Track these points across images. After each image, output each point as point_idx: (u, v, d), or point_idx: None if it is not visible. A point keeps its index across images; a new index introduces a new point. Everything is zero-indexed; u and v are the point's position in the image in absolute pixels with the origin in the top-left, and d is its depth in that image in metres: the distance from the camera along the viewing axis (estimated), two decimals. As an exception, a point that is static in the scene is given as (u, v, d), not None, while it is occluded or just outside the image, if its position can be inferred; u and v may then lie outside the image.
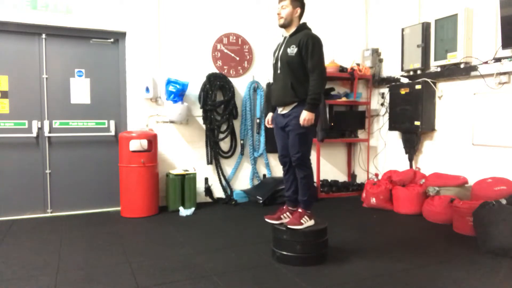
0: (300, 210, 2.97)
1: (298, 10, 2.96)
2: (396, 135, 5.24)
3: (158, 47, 4.71)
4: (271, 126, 3.22)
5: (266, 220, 3.05)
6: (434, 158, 4.72)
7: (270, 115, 3.22)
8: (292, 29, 2.97)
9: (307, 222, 2.92)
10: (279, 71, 2.99)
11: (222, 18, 5.00)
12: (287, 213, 3.07)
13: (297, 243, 2.89)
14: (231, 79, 5.01)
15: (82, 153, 4.56)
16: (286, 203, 3.14)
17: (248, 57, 5.17)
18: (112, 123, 4.67)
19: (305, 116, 2.82)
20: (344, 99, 5.38)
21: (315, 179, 5.27)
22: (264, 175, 5.35)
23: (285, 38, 3.02)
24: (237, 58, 5.10)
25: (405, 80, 4.87)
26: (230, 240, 3.49)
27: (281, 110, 3.02)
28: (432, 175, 4.46)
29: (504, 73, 3.86)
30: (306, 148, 2.94)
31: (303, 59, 2.86)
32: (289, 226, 2.87)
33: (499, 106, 3.96)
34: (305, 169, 2.95)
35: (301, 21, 3.01)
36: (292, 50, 2.88)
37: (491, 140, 4.04)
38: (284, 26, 2.99)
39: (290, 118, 2.92)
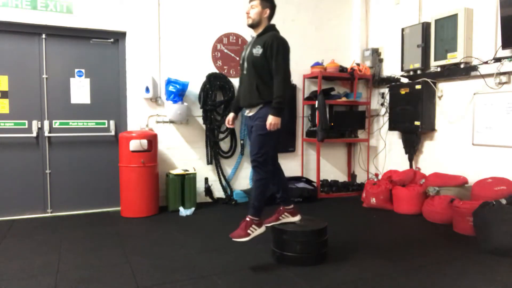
0: (247, 218, 2.80)
1: (268, 11, 2.90)
2: (396, 135, 5.24)
3: (158, 47, 4.71)
4: (231, 126, 3.16)
5: (265, 225, 2.98)
6: (434, 158, 4.72)
7: (231, 115, 3.15)
8: (260, 29, 2.91)
9: (255, 231, 2.78)
10: (245, 72, 2.92)
11: (222, 18, 5.00)
12: (285, 213, 3.03)
13: (297, 243, 2.89)
14: (231, 79, 5.01)
15: (82, 153, 4.56)
16: (280, 204, 3.07)
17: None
18: (112, 123, 4.67)
19: (271, 121, 2.72)
20: (344, 99, 5.38)
21: (315, 179, 5.33)
22: (264, 175, 5.34)
23: (253, 38, 2.97)
24: (237, 58, 5.10)
25: (405, 80, 4.87)
26: (230, 240, 3.48)
27: (247, 112, 2.95)
28: (432, 175, 4.45)
29: (504, 73, 3.86)
30: (266, 150, 2.82)
31: (267, 60, 2.78)
32: (234, 239, 2.72)
33: (499, 106, 3.96)
34: (260, 173, 2.83)
35: (271, 22, 2.98)
36: (258, 51, 2.80)
37: (491, 140, 4.04)
38: (252, 26, 2.93)
39: (255, 120, 2.86)
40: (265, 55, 2.78)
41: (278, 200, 3.08)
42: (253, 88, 2.82)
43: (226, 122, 3.17)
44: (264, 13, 2.89)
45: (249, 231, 2.74)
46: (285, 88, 2.77)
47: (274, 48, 2.75)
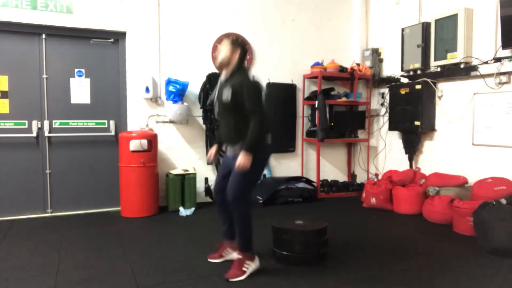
0: (240, 256, 2.72)
1: (237, 54, 2.76)
2: (396, 135, 5.24)
3: (158, 47, 4.71)
4: (210, 161, 3.02)
5: (210, 260, 2.94)
6: (434, 158, 4.72)
7: (214, 149, 3.03)
8: (229, 72, 2.78)
9: (250, 267, 2.70)
10: (218, 113, 2.88)
11: (222, 18, 5.00)
12: (228, 249, 2.94)
13: (297, 243, 2.89)
14: (231, 79, 5.00)
15: (82, 153, 4.56)
16: (223, 239, 2.99)
17: (248, 57, 5.16)
18: (112, 123, 4.67)
19: (240, 160, 2.59)
20: (344, 99, 5.38)
21: (315, 179, 5.33)
22: (264, 175, 5.35)
23: (220, 82, 2.86)
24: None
25: (405, 80, 4.87)
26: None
27: (229, 152, 2.85)
28: (432, 175, 4.45)
29: (504, 73, 3.86)
30: (247, 187, 2.72)
31: (239, 104, 2.67)
32: (231, 280, 2.61)
33: (499, 106, 3.96)
34: (241, 209, 2.71)
35: (243, 63, 2.84)
36: (227, 97, 2.68)
37: (491, 140, 4.04)
38: (220, 68, 2.85)
39: (234, 159, 2.71)
40: (235, 100, 2.66)
41: (222, 233, 2.98)
42: (230, 128, 2.75)
43: (207, 157, 3.04)
44: (233, 56, 2.76)
45: (244, 268, 2.67)
46: (260, 131, 2.66)
47: (244, 92, 2.64)
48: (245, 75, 2.75)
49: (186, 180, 4.52)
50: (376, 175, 5.24)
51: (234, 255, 2.84)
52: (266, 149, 2.82)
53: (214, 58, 2.82)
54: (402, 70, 5.00)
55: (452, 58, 4.30)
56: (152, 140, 4.43)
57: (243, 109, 2.67)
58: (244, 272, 2.66)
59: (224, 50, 2.78)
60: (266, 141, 2.77)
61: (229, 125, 2.76)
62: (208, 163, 4.73)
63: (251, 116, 2.66)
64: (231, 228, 2.91)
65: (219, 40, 4.99)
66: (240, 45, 2.83)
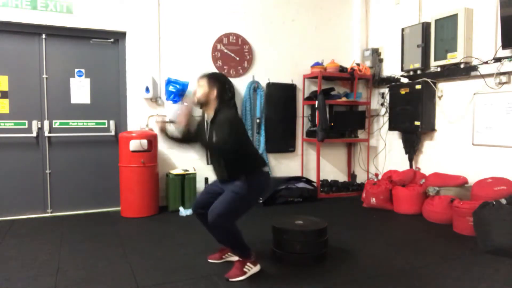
0: (240, 259, 2.70)
1: (215, 91, 2.66)
2: (396, 135, 5.24)
3: (158, 47, 4.71)
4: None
5: (209, 261, 2.94)
6: (434, 158, 4.72)
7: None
8: (211, 112, 2.70)
9: (252, 270, 2.68)
10: (210, 155, 2.84)
11: (222, 18, 5.00)
12: (229, 253, 2.93)
13: (297, 243, 2.89)
14: (231, 79, 5.01)
15: (82, 153, 4.56)
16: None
17: (248, 57, 5.17)
18: (112, 123, 4.67)
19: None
20: (344, 99, 5.38)
21: (315, 179, 5.33)
22: (264, 175, 5.34)
23: (207, 122, 2.80)
24: (237, 58, 5.10)
25: (405, 80, 4.87)
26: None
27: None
28: (432, 175, 4.46)
29: (504, 73, 3.86)
30: (231, 212, 2.60)
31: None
32: (231, 280, 2.59)
33: (499, 106, 3.96)
34: (219, 230, 2.64)
35: (224, 97, 2.75)
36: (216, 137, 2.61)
37: (491, 140, 4.04)
38: (200, 106, 2.75)
39: (226, 188, 2.68)
40: None
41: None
42: (221, 166, 2.68)
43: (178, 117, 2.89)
44: (211, 93, 2.66)
45: (245, 269, 2.65)
46: (216, 148, 2.60)
47: (220, 125, 2.57)
48: (227, 112, 2.63)
49: (186, 180, 4.52)
50: (376, 175, 5.24)
51: (235, 257, 2.84)
52: (262, 182, 2.74)
53: (194, 94, 2.70)
54: (402, 70, 5.00)
55: (452, 58, 4.30)
56: (152, 140, 4.43)
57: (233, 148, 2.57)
58: (245, 273, 2.65)
59: (201, 88, 2.69)
60: (262, 175, 2.71)
61: (220, 163, 2.69)
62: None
63: (215, 142, 2.56)
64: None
65: (219, 40, 5.00)
66: (218, 80, 2.73)
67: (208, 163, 2.85)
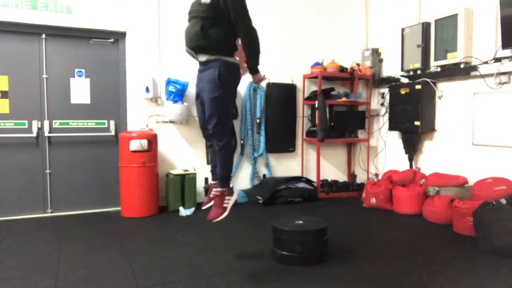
0: (218, 193, 2.67)
1: None
2: (396, 135, 5.24)
3: (158, 47, 4.71)
4: None
5: (203, 208, 2.91)
6: (434, 158, 4.72)
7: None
8: None
9: (230, 201, 2.66)
10: (193, 10, 2.78)
11: (222, 18, 5.00)
12: (216, 189, 2.85)
13: (297, 243, 2.89)
14: (231, 79, 5.00)
15: (82, 153, 4.56)
16: (213, 180, 2.95)
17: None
18: (112, 123, 4.67)
19: (255, 79, 2.79)
20: (344, 99, 5.38)
21: (315, 179, 5.33)
22: (264, 175, 5.35)
23: None
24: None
25: (405, 80, 4.87)
26: (230, 240, 3.49)
27: (199, 59, 2.79)
28: (432, 175, 4.45)
29: (504, 73, 3.86)
30: (222, 113, 2.63)
31: (219, 3, 2.54)
32: (215, 221, 2.60)
33: (499, 106, 3.96)
34: (221, 138, 2.64)
35: None
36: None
37: (491, 140, 4.04)
38: None
39: (207, 74, 2.69)
40: (213, 2, 2.54)
41: (212, 175, 2.95)
42: (201, 29, 2.61)
43: None
44: None
45: (224, 205, 2.63)
46: (255, 40, 2.65)
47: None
48: None
49: (186, 180, 4.52)
50: (376, 175, 5.24)
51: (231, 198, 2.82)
52: (235, 70, 2.72)
53: None
54: (402, 70, 5.00)
55: (452, 58, 4.30)
56: (152, 140, 4.43)
57: (221, 13, 2.54)
58: (225, 208, 2.63)
59: None
60: (235, 63, 2.70)
61: (201, 26, 2.59)
62: None
63: (242, 26, 2.56)
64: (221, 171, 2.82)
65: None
66: None
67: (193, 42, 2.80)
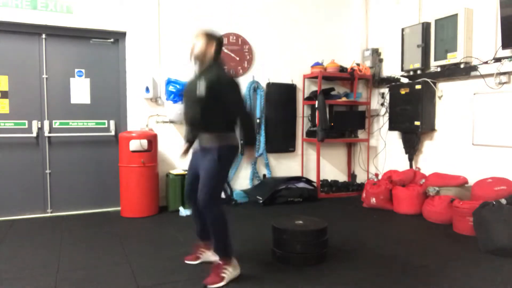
0: (218, 262, 2.62)
1: (213, 47, 2.67)
2: (396, 135, 5.24)
3: (158, 47, 4.71)
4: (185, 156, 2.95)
5: (186, 262, 2.92)
6: (434, 158, 4.72)
7: (185, 146, 2.94)
8: (205, 65, 2.69)
9: (230, 274, 2.59)
10: (189, 103, 2.79)
11: (222, 18, 5.00)
12: (202, 249, 2.93)
13: (297, 243, 2.89)
14: (231, 79, 5.00)
15: (82, 153, 4.56)
16: (198, 240, 2.96)
17: (248, 57, 5.17)
18: (112, 123, 4.67)
19: (248, 156, 2.79)
20: (344, 99, 5.38)
21: (315, 179, 5.33)
22: (264, 175, 5.35)
23: (195, 75, 2.76)
24: (237, 58, 5.10)
25: (405, 80, 4.87)
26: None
27: (197, 144, 2.81)
28: (432, 175, 4.45)
29: (504, 73, 3.86)
30: (214, 188, 2.62)
31: (213, 98, 2.57)
32: (209, 287, 2.51)
33: (499, 106, 3.96)
34: (211, 213, 2.60)
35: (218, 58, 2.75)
36: (202, 89, 2.57)
37: (491, 140, 4.04)
38: (195, 61, 2.73)
39: (206, 154, 2.68)
40: (210, 95, 2.56)
41: (197, 236, 2.95)
42: (199, 117, 2.64)
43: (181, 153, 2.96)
44: (209, 49, 2.66)
45: (222, 274, 2.57)
46: (252, 124, 2.80)
47: (226, 89, 2.59)
48: (221, 70, 2.70)
49: (186, 180, 4.51)
50: (376, 175, 5.24)
51: (210, 255, 2.84)
52: (235, 148, 2.75)
53: (191, 52, 2.72)
54: (402, 70, 5.00)
55: (452, 58, 4.30)
56: (152, 140, 4.43)
57: (216, 104, 2.59)
58: (222, 278, 2.55)
59: (200, 43, 2.67)
60: (235, 140, 2.73)
61: (198, 115, 2.64)
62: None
63: (239, 112, 2.67)
64: (204, 229, 2.84)
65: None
66: (216, 38, 2.73)
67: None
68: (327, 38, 5.63)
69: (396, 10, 5.24)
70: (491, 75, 3.96)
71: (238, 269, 2.68)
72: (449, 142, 4.53)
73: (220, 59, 2.77)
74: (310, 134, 5.46)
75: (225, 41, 5.03)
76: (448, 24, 4.36)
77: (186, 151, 2.95)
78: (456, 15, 4.24)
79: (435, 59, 4.52)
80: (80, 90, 4.54)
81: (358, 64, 5.42)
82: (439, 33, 4.48)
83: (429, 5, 4.78)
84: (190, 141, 2.93)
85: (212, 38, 2.71)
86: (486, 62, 4.01)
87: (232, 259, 2.66)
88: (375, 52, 5.51)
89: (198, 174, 2.71)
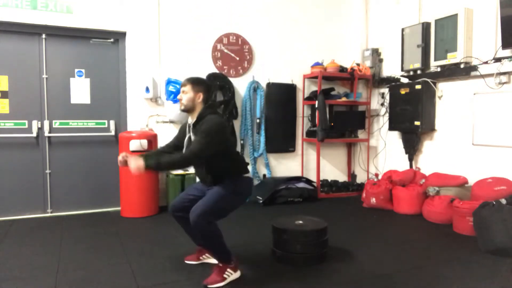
0: (220, 264, 2.62)
1: (201, 96, 2.65)
2: (396, 135, 5.24)
3: (158, 47, 4.71)
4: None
5: (186, 262, 2.93)
6: (434, 158, 4.72)
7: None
8: (195, 116, 2.65)
9: (231, 276, 2.61)
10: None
11: (222, 18, 5.01)
12: (206, 254, 2.93)
13: (297, 243, 2.89)
14: (231, 79, 5.01)
15: (82, 153, 4.56)
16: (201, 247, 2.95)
17: (248, 57, 5.17)
18: (112, 123, 4.67)
19: (132, 165, 2.44)
20: (344, 99, 5.38)
21: (315, 179, 5.33)
22: (264, 175, 5.35)
23: (189, 124, 2.72)
24: (237, 58, 5.10)
25: (405, 80, 4.87)
26: (230, 240, 3.46)
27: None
28: (432, 175, 4.46)
29: (504, 73, 3.86)
30: (215, 212, 2.55)
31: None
32: (209, 286, 2.52)
33: (499, 106, 3.96)
34: (200, 229, 2.50)
35: (208, 103, 2.71)
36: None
37: (491, 140, 4.04)
38: (185, 111, 2.71)
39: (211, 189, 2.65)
40: None
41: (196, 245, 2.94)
42: (203, 171, 2.65)
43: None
44: (197, 98, 2.65)
45: (224, 275, 2.58)
46: (178, 164, 2.63)
47: (202, 130, 2.53)
48: (213, 117, 2.61)
49: (186, 180, 4.52)
50: (376, 175, 5.24)
51: (212, 261, 2.84)
52: (246, 187, 2.73)
53: (179, 101, 2.71)
54: (402, 70, 5.00)
55: (452, 58, 4.30)
56: (152, 140, 4.43)
57: (214, 154, 2.55)
58: (224, 279, 2.57)
59: (187, 95, 2.65)
60: (245, 180, 2.70)
61: (202, 168, 2.67)
62: None
63: (187, 150, 2.58)
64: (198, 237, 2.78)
65: (219, 40, 5.00)
66: (202, 85, 2.70)
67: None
68: (327, 38, 5.63)
69: (396, 10, 5.24)
70: (491, 75, 3.96)
71: (239, 272, 2.69)
72: (449, 142, 4.53)
73: (211, 105, 2.72)
74: (310, 134, 5.46)
75: (225, 41, 5.03)
76: (448, 24, 4.36)
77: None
78: (456, 15, 4.24)
79: (435, 59, 4.52)
80: (80, 90, 4.54)
81: (358, 64, 5.42)
82: (439, 33, 4.48)
83: (429, 5, 4.78)
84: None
85: (198, 86, 2.67)
86: (486, 62, 4.01)
87: (232, 261, 2.66)
88: (375, 52, 5.51)
89: (196, 197, 2.66)
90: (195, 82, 2.69)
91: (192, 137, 2.64)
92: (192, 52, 4.87)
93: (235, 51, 5.09)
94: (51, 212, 4.45)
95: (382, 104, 5.46)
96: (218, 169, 2.64)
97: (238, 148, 5.13)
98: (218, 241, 2.57)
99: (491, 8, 4.04)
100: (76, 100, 4.52)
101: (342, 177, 5.85)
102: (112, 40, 4.62)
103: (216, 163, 2.61)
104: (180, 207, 2.77)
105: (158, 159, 2.52)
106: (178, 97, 2.72)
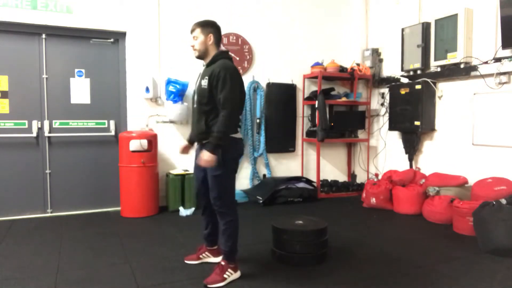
0: (222, 263, 2.64)
1: (212, 37, 2.63)
2: (396, 135, 5.24)
3: (158, 47, 4.71)
4: (183, 154, 2.96)
5: (186, 262, 2.93)
6: (434, 158, 4.72)
7: (184, 143, 2.96)
8: (208, 59, 2.65)
9: (231, 276, 2.61)
10: (195, 105, 2.71)
11: (222, 18, 5.00)
12: (206, 253, 2.94)
13: (297, 243, 2.89)
14: (231, 79, 5.00)
15: (82, 153, 4.56)
16: (204, 243, 2.97)
17: (248, 57, 5.17)
18: (112, 123, 4.67)
19: (204, 157, 2.47)
20: (344, 99, 5.38)
21: (315, 179, 5.33)
22: (264, 175, 5.35)
23: (203, 67, 2.73)
24: (237, 58, 5.10)
25: (405, 80, 4.87)
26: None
27: (198, 151, 2.73)
28: (432, 175, 4.46)
29: (504, 73, 3.86)
30: (227, 191, 2.62)
31: (213, 93, 2.53)
32: (209, 286, 2.52)
33: (499, 106, 3.96)
34: (226, 216, 2.62)
35: (222, 48, 2.70)
36: (205, 82, 2.56)
37: (491, 140, 4.04)
38: (200, 57, 2.69)
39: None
40: (211, 87, 2.53)
41: (202, 237, 2.96)
42: (201, 122, 2.60)
43: (180, 150, 2.95)
44: (208, 40, 2.63)
45: (225, 275, 2.58)
46: (230, 124, 2.51)
47: (220, 78, 2.49)
48: (226, 61, 2.60)
49: (186, 180, 4.52)
50: (376, 175, 5.24)
51: (212, 259, 2.87)
52: (236, 147, 2.67)
53: (192, 48, 2.70)
54: (402, 70, 5.00)
55: (452, 58, 4.30)
56: (152, 140, 4.43)
57: (216, 101, 2.53)
58: (224, 279, 2.57)
59: (198, 39, 2.63)
60: (236, 138, 2.64)
61: (201, 119, 2.61)
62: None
63: (222, 107, 2.49)
64: (212, 234, 2.88)
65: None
66: (211, 25, 2.67)
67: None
68: (327, 38, 5.63)
69: (396, 10, 5.24)
70: (491, 75, 3.96)
71: (239, 272, 2.70)
72: (449, 142, 4.53)
73: (223, 49, 2.72)
74: (310, 134, 5.46)
75: (225, 41, 5.03)
76: (448, 24, 4.36)
77: (185, 149, 2.94)
78: (456, 15, 4.24)
79: (435, 59, 4.53)
80: (80, 90, 4.53)
81: (358, 64, 5.42)
82: (439, 33, 4.48)
83: (429, 5, 4.78)
84: (191, 142, 2.92)
85: (207, 28, 2.65)
86: (486, 62, 4.01)
87: (236, 261, 2.68)
88: (375, 52, 5.51)
89: (205, 175, 2.68)
90: (203, 25, 2.67)
91: (202, 81, 2.60)
92: (192, 52, 4.85)
93: (235, 51, 5.09)
94: (51, 212, 4.45)
95: (382, 104, 5.46)
96: (215, 122, 2.55)
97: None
98: (235, 234, 2.66)
99: (491, 8, 4.04)
100: (76, 100, 4.52)
101: (342, 177, 5.85)
102: (112, 40, 4.62)
103: (215, 116, 2.56)
104: (201, 192, 2.80)
105: (215, 137, 2.47)
106: (190, 44, 2.68)
